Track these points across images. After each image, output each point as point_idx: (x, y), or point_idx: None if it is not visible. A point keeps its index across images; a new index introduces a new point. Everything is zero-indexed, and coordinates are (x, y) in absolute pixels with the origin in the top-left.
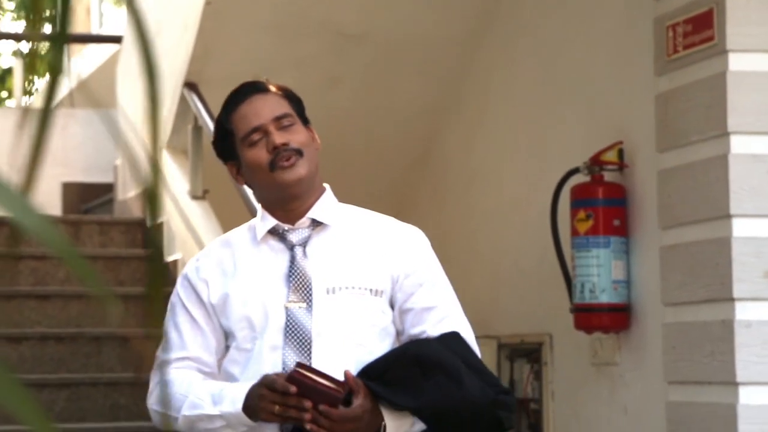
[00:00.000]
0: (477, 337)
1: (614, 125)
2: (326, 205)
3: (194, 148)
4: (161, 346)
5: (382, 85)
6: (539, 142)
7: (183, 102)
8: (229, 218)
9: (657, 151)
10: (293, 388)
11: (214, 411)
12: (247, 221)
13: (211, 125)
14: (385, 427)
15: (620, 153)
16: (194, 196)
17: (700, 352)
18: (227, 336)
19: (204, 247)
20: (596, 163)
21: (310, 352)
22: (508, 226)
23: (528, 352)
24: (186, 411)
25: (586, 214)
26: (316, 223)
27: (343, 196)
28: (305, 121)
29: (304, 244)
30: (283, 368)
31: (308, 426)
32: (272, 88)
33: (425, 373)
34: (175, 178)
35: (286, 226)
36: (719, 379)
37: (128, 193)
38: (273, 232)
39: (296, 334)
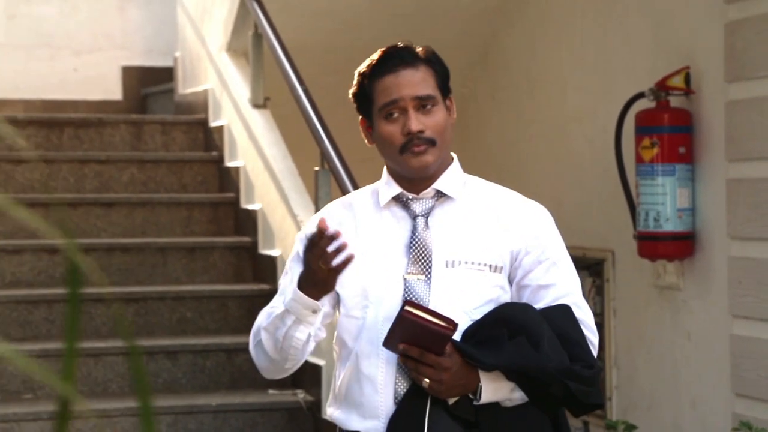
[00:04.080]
0: None
1: (681, 50)
2: (452, 177)
3: (255, 56)
4: (273, 299)
5: None
6: (604, 58)
7: (243, 6)
8: (289, 126)
9: (725, 81)
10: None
11: (282, 308)
12: (304, 130)
13: (271, 34)
14: (481, 388)
15: (687, 78)
16: (255, 105)
17: (767, 289)
18: (339, 300)
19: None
20: (662, 88)
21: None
22: (570, 138)
23: (589, 265)
24: (264, 323)
25: (651, 141)
26: (440, 194)
27: None
28: (446, 92)
29: (426, 214)
30: None
31: (401, 351)
32: (422, 58)
33: (509, 333)
34: (236, 82)
35: (410, 195)
36: None
37: (188, 88)
38: (396, 198)
39: None
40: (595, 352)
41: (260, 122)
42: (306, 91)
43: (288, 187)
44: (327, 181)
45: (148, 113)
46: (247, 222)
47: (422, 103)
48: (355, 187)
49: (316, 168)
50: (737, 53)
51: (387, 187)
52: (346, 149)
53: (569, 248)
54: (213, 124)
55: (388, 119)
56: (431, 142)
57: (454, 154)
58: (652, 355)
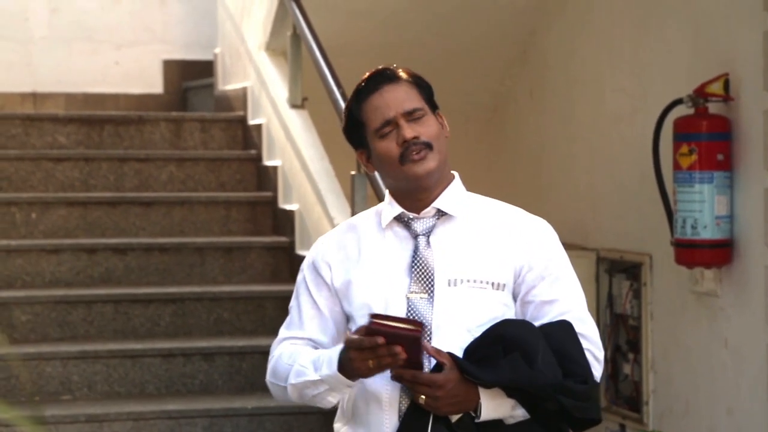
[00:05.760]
0: (575, 248)
1: (720, 56)
2: (453, 195)
3: (293, 57)
4: (285, 322)
5: None
6: (642, 62)
7: (282, 7)
8: (327, 127)
9: (764, 89)
10: (381, 339)
11: (316, 376)
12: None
13: (309, 36)
14: (480, 405)
15: (726, 85)
16: (293, 105)
17: None
18: (348, 319)
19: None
20: (701, 94)
21: (430, 343)
22: (608, 140)
23: (627, 268)
24: (292, 379)
25: (689, 148)
26: (441, 213)
27: (440, 94)
28: (434, 108)
29: (428, 233)
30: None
31: (394, 375)
32: (402, 76)
33: (504, 350)
34: (274, 81)
35: (411, 215)
36: None
37: (227, 84)
38: (398, 219)
39: None
40: (600, 367)
41: (298, 122)
42: (343, 94)
43: (324, 188)
44: (363, 185)
45: (188, 107)
46: (285, 222)
47: (413, 116)
48: None
49: (353, 172)
50: None
51: (389, 207)
52: None
53: (607, 251)
54: (252, 122)
55: (383, 138)
56: (428, 146)
57: (455, 173)
58: (689, 360)
